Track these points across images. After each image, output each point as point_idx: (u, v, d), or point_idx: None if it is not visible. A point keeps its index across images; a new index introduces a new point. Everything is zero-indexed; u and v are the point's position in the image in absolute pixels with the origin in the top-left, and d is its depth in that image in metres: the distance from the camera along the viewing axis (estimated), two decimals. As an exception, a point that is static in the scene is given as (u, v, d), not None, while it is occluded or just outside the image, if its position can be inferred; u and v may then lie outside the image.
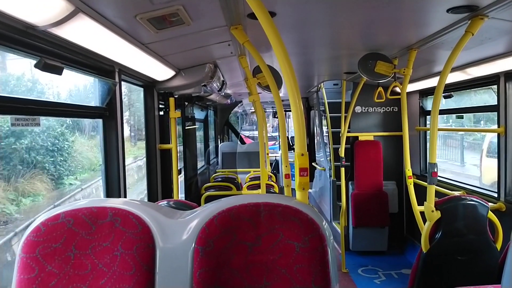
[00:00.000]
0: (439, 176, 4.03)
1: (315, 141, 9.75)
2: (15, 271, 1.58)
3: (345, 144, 5.95)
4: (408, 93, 5.67)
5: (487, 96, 5.66)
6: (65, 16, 1.88)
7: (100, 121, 2.99)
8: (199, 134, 7.97)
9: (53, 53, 2.15)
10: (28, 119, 2.12)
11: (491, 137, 8.39)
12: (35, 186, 4.70)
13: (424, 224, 3.37)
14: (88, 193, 6.05)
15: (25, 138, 4.76)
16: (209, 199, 4.90)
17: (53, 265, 1.57)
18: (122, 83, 3.13)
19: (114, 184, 2.99)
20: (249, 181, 6.52)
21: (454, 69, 4.05)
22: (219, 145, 9.78)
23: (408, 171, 4.13)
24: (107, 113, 2.95)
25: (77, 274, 1.57)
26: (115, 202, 1.68)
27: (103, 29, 2.21)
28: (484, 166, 8.63)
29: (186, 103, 5.40)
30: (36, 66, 2.01)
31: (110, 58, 2.75)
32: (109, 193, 2.99)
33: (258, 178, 6.04)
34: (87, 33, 2.20)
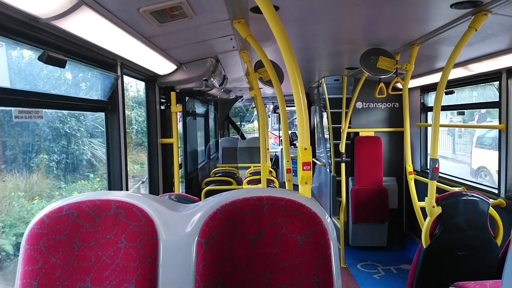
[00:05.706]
0: (439, 172, 4.05)
1: (315, 137, 9.76)
2: (20, 263, 1.58)
3: (346, 140, 5.95)
4: (409, 89, 5.67)
5: (480, 93, 5.69)
6: (68, 9, 1.88)
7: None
8: (200, 129, 7.99)
9: (56, 45, 2.15)
10: (31, 111, 2.12)
11: (480, 132, 10.40)
12: (141, 158, 6.83)
13: (425, 219, 3.38)
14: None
15: (135, 124, 7.23)
16: (210, 193, 4.91)
17: (57, 257, 1.57)
18: (124, 77, 3.13)
19: (117, 177, 3.00)
20: (250, 176, 6.53)
21: (456, 65, 4.04)
22: (220, 140, 9.79)
23: (409, 167, 4.14)
24: (109, 106, 2.95)
25: (81, 266, 1.58)
26: (119, 195, 1.68)
27: (106, 22, 2.20)
28: (473, 155, 11.01)
29: (187, 98, 5.40)
30: (39, 58, 2.01)
31: (113, 52, 2.75)
32: (111, 186, 3.00)
33: (258, 173, 6.04)
34: (90, 26, 2.19)
